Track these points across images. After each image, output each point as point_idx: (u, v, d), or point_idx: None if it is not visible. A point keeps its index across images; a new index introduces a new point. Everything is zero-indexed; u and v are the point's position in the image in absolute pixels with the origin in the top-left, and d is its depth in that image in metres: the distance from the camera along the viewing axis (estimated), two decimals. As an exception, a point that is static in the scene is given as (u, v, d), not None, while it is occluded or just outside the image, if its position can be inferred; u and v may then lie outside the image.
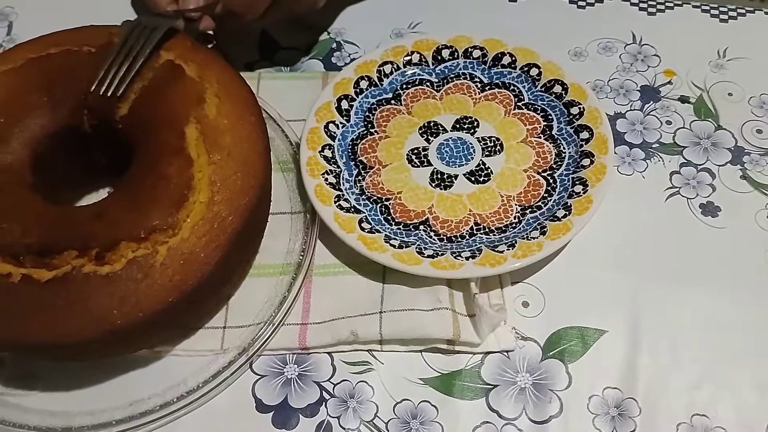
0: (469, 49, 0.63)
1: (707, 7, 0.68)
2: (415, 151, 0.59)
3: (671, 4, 0.69)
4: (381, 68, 0.62)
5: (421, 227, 0.55)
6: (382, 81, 0.62)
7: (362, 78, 0.62)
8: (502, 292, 0.53)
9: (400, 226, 0.55)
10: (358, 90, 0.62)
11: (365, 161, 0.59)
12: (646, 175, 0.59)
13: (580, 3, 0.69)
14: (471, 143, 0.59)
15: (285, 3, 0.58)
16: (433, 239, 0.55)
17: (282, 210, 0.57)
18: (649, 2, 0.69)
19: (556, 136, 0.59)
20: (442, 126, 0.60)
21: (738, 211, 0.57)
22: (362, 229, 0.54)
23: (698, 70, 0.64)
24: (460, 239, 0.54)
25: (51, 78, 0.52)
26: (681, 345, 0.51)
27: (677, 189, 0.58)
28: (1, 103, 0.51)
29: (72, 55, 0.54)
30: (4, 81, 0.53)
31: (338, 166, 0.58)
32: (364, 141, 0.60)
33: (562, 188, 0.56)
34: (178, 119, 0.50)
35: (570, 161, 0.57)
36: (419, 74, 0.63)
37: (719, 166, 0.59)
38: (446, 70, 0.63)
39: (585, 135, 0.57)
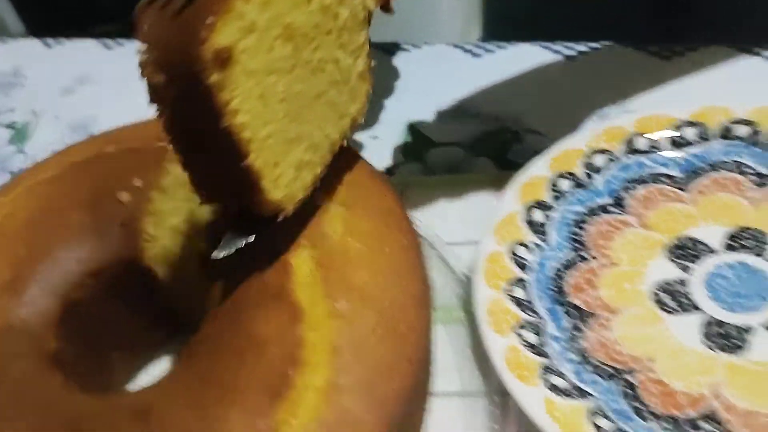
0: (730, 126, 0.40)
1: None
2: (668, 286, 0.35)
3: None
4: (590, 160, 0.41)
5: (705, 425, 0.31)
6: (594, 179, 0.40)
7: (562, 176, 0.40)
8: None
9: (667, 425, 0.31)
10: (557, 194, 0.40)
11: (580, 304, 0.36)
12: None
13: None
14: (765, 271, 0.35)
15: None
16: (733, 451, 0.30)
17: (447, 389, 0.35)
18: None
19: None
20: (705, 245, 0.37)
21: None
22: (597, 428, 0.30)
23: None
24: (787, 452, 0.29)
25: (99, 189, 0.35)
26: None
27: None
28: (22, 227, 0.34)
29: (134, 155, 0.36)
30: (38, 194, 0.35)
31: (538, 315, 0.35)
32: (575, 272, 0.37)
33: None
34: (280, 241, 0.30)
35: None
36: (651, 167, 0.41)
37: None
38: (696, 159, 0.40)
39: None
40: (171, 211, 0.35)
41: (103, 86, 0.59)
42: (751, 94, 0.43)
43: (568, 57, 0.51)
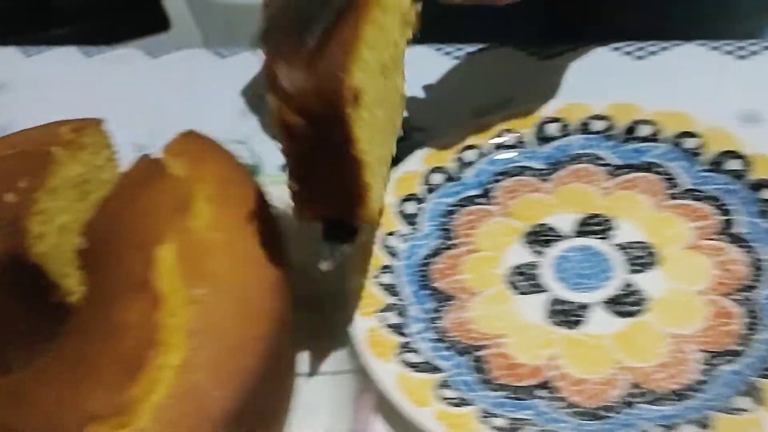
0: (588, 121, 0.44)
1: None
2: (520, 269, 0.39)
3: None
4: (461, 155, 0.44)
5: (541, 393, 0.34)
6: (464, 173, 0.44)
7: (435, 170, 0.43)
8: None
9: (506, 393, 0.34)
10: (429, 187, 0.43)
11: (444, 289, 0.39)
12: None
13: (739, 53, 0.49)
14: (606, 254, 0.38)
15: None
16: (561, 413, 0.33)
17: (318, 370, 0.38)
18: None
19: (743, 236, 0.37)
20: (557, 231, 0.40)
21: None
22: (444, 399, 0.33)
23: None
24: (609, 413, 0.33)
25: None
26: None
27: None
28: None
29: (22, 158, 0.38)
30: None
31: (403, 298, 0.38)
32: (440, 258, 0.40)
33: (773, 319, 0.34)
34: (147, 235, 0.32)
35: (777, 274, 0.35)
36: (517, 160, 0.44)
37: None
38: (557, 152, 0.44)
39: (795, 230, 0.35)
40: (58, 210, 0.37)
41: (20, 93, 0.61)
42: (614, 89, 0.47)
43: (455, 57, 0.54)
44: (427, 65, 0.54)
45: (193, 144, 0.38)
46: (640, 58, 0.51)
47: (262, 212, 0.35)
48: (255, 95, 0.55)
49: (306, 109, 0.29)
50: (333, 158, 0.30)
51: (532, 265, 0.39)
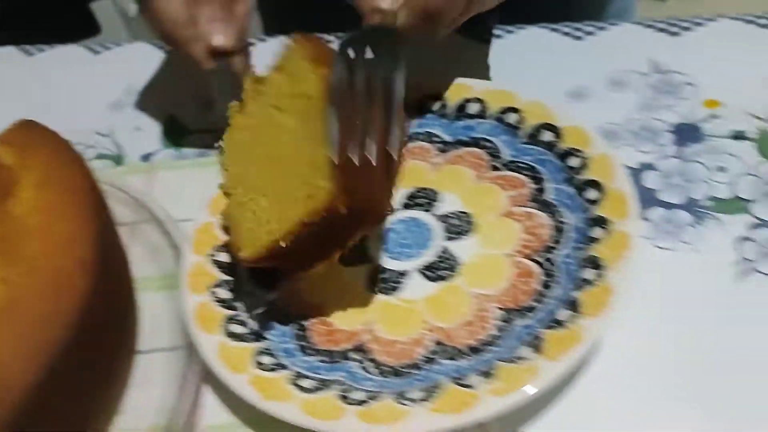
0: (425, 101, 0.46)
1: (751, 18, 0.50)
2: (353, 243, 0.41)
3: (700, 21, 0.51)
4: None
5: (354, 355, 0.36)
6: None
7: (279, 153, 0.45)
8: (485, 452, 0.33)
9: (322, 357, 0.36)
10: (273, 169, 0.45)
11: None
12: (700, 246, 0.39)
13: (575, 33, 0.52)
14: (428, 224, 0.41)
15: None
16: (372, 373, 0.35)
17: (159, 346, 0.39)
18: (669, 21, 0.51)
19: (551, 201, 0.40)
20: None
21: None
22: (260, 365, 0.35)
23: (754, 94, 0.45)
24: (412, 370, 0.35)
25: None
26: None
27: (751, 263, 0.37)
28: None
29: None
30: None
31: (237, 275, 0.40)
32: (279, 236, 0.42)
33: (565, 276, 0.36)
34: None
35: (575, 235, 0.38)
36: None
37: (812, 222, 0.39)
38: (394, 132, 0.46)
39: (593, 194, 0.38)
40: None
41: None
42: (456, 71, 0.49)
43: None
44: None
45: (27, 133, 0.39)
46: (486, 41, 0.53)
47: (88, 196, 0.36)
48: (123, 90, 0.56)
49: (354, 206, 0.34)
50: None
51: (363, 239, 0.41)
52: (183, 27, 0.44)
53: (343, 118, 0.34)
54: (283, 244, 0.35)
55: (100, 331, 0.35)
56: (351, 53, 0.36)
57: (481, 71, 0.50)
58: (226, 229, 0.38)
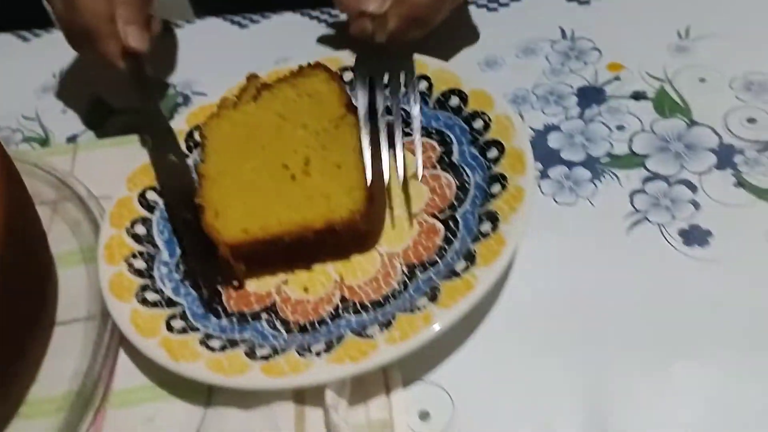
0: (339, 72, 0.47)
1: (655, -15, 0.52)
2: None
3: (608, -11, 0.53)
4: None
5: (264, 316, 0.37)
6: (226, 129, 0.46)
7: (197, 129, 0.46)
8: (388, 399, 0.34)
9: (233, 318, 0.37)
10: (192, 144, 0.46)
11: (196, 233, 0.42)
12: (597, 200, 0.40)
13: (490, 5, 0.54)
14: (340, 190, 0.42)
15: None
16: (280, 331, 0.36)
17: (77, 316, 0.40)
18: (579, -10, 0.53)
19: (457, 163, 0.41)
20: (302, 174, 0.43)
21: (739, 233, 0.38)
22: (171, 329, 0.36)
23: (654, 57, 0.47)
24: (318, 326, 0.36)
25: None
26: (676, 455, 0.31)
27: (643, 214, 0.39)
28: None
29: None
30: None
31: (155, 246, 0.41)
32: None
33: (465, 231, 0.38)
34: None
35: (476, 192, 0.39)
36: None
37: (701, 174, 0.40)
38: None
39: (493, 153, 0.40)
40: None
41: None
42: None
43: (241, 26, 0.57)
44: (218, 35, 0.57)
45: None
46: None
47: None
48: (51, 75, 0.56)
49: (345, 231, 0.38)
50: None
51: (275, 206, 0.42)
52: (104, 22, 0.45)
53: (373, 143, 0.39)
54: (286, 240, 0.37)
55: (10, 303, 0.35)
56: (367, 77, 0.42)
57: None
58: (202, 209, 0.39)
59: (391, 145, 0.39)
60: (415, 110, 0.40)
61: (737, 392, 0.32)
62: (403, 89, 0.41)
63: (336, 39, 0.54)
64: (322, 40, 0.54)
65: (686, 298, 0.35)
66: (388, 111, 0.41)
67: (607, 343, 0.35)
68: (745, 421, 0.32)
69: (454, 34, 0.51)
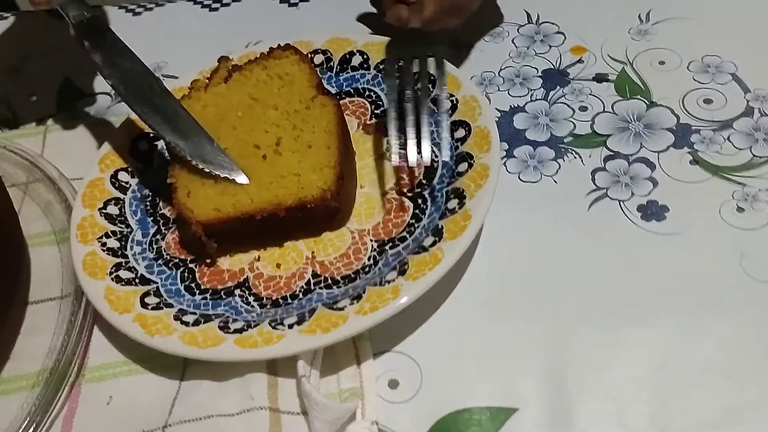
0: (310, 55, 0.48)
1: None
2: (239, 191, 0.42)
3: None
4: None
5: (237, 291, 0.38)
6: (197, 111, 0.47)
7: (169, 110, 0.46)
8: (359, 369, 0.35)
9: (206, 295, 0.38)
10: (163, 126, 0.46)
11: (167, 213, 0.42)
12: (560, 178, 0.42)
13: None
14: (311, 169, 0.43)
15: None
16: (253, 306, 0.37)
17: (50, 296, 0.40)
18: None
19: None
20: (274, 154, 0.44)
21: (694, 208, 0.39)
22: (145, 305, 0.37)
23: (616, 41, 0.49)
24: (290, 300, 0.37)
25: None
26: (629, 413, 0.32)
27: (604, 191, 0.41)
28: None
29: None
30: None
31: (128, 226, 0.41)
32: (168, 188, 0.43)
33: (434, 208, 0.39)
34: None
35: (444, 171, 0.40)
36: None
37: (659, 152, 0.42)
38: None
39: (461, 133, 0.41)
40: None
41: None
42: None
43: (211, 9, 0.57)
44: (184, 18, 0.57)
45: None
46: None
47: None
48: (20, 56, 0.56)
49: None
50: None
51: (247, 185, 0.43)
52: None
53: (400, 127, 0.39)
54: (258, 217, 0.38)
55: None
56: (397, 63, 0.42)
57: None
58: (174, 188, 0.40)
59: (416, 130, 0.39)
60: (444, 94, 0.41)
61: (683, 348, 0.34)
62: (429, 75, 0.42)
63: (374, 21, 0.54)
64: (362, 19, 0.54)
65: (643, 270, 0.37)
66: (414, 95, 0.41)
67: (567, 311, 0.36)
68: (688, 372, 0.33)
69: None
